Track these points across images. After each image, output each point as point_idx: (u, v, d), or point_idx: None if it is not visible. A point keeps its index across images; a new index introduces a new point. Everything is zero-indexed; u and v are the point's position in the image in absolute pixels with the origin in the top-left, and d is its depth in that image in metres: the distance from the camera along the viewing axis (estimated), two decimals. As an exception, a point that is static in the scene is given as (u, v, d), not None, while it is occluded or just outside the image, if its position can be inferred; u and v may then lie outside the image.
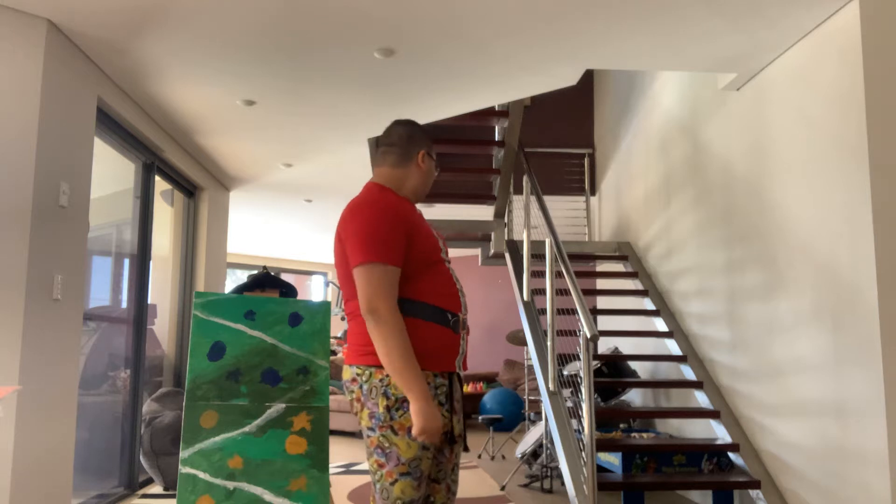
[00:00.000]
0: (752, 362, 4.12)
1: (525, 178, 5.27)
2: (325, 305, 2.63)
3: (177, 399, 4.98)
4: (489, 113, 5.84)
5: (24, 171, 3.19)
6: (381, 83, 4.21)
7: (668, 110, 5.48)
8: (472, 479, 5.45)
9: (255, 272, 4.07)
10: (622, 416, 4.21)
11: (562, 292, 5.06)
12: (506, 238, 5.93)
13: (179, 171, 5.44)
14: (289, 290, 3.57)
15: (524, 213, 5.33)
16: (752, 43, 3.68)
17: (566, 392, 4.49)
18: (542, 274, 4.91)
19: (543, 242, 5.18)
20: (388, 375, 1.96)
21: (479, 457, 6.61)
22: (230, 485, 2.39)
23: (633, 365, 5.98)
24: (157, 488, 4.83)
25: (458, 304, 2.08)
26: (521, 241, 5.79)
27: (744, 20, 3.41)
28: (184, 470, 2.36)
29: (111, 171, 4.55)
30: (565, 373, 5.11)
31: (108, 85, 4.03)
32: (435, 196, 6.08)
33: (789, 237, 3.77)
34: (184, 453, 2.38)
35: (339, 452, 6.81)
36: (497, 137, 6.57)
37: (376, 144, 2.28)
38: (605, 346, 6.85)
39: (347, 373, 2.05)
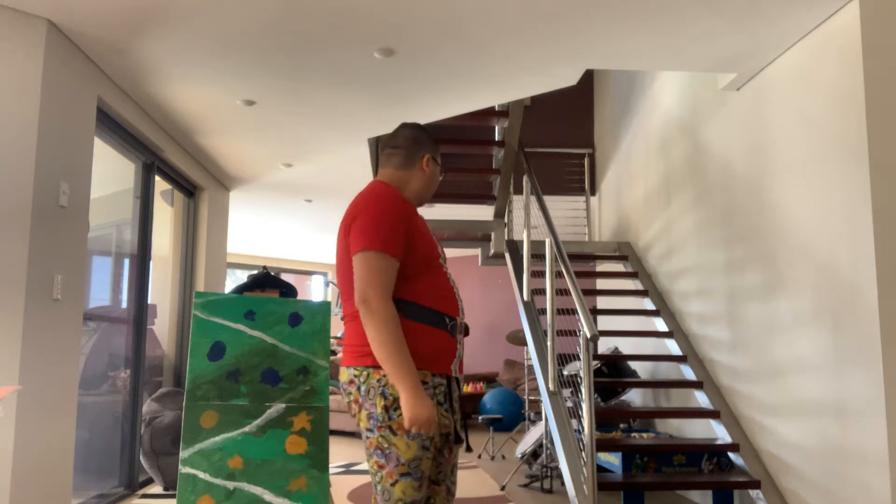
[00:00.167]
0: (752, 362, 4.12)
1: (525, 178, 5.27)
2: (325, 305, 2.63)
3: (177, 399, 4.98)
4: (489, 113, 5.84)
5: (24, 171, 3.19)
6: (381, 83, 4.21)
7: (668, 110, 5.48)
8: (472, 479, 5.45)
9: (255, 272, 4.07)
10: (622, 416, 4.21)
11: (562, 292, 5.06)
12: (506, 238, 5.93)
13: (179, 171, 5.44)
14: (289, 290, 3.57)
15: (524, 213, 5.33)
16: (752, 43, 3.68)
17: (566, 392, 4.49)
18: (542, 274, 4.91)
19: (543, 242, 5.18)
20: (385, 376, 1.96)
21: (479, 457, 6.61)
22: (230, 485, 2.39)
23: (633, 365, 5.98)
24: (157, 488, 4.83)
25: (455, 308, 2.09)
26: (521, 241, 5.79)
27: (744, 20, 3.41)
28: (184, 470, 2.36)
29: (111, 171, 4.55)
30: (565, 373, 5.11)
31: (108, 85, 4.03)
32: (435, 196, 6.08)
33: (789, 237, 3.77)
34: (184, 453, 2.38)
35: (339, 452, 6.81)
36: (497, 137, 6.57)
37: (381, 146, 2.28)
38: (605, 346, 6.85)
39: (345, 374, 2.05)
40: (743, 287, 4.26)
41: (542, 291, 5.27)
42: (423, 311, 2.00)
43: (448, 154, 6.98)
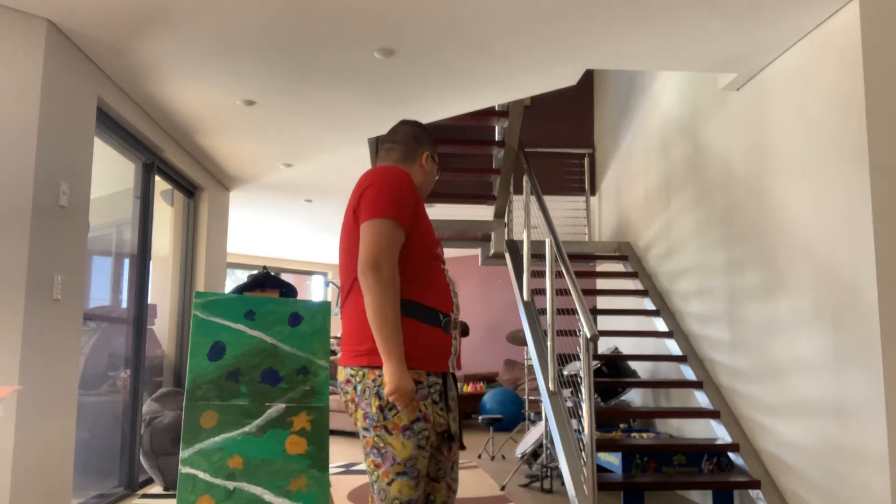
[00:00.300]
0: (752, 362, 4.12)
1: (525, 178, 5.27)
2: (325, 305, 2.63)
3: (177, 399, 4.98)
4: (489, 113, 5.84)
5: (24, 171, 3.19)
6: (381, 83, 4.21)
7: (668, 110, 5.48)
8: (472, 479, 5.45)
9: (255, 272, 4.07)
10: (622, 416, 4.21)
11: (562, 292, 5.06)
12: (506, 238, 5.93)
13: (179, 171, 5.44)
14: (289, 290, 3.57)
15: (524, 213, 5.33)
16: (752, 43, 3.68)
17: (566, 392, 4.49)
18: (542, 274, 4.91)
19: (543, 242, 5.18)
20: (380, 376, 1.96)
21: (479, 457, 6.61)
22: (230, 485, 2.39)
23: (633, 365, 5.98)
24: (157, 488, 4.83)
25: (450, 305, 2.09)
26: (521, 241, 5.79)
27: (744, 20, 3.41)
28: (184, 470, 2.36)
29: (111, 171, 4.55)
30: (565, 373, 5.11)
31: (108, 85, 4.03)
32: (435, 196, 6.09)
33: (789, 237, 3.77)
34: (184, 453, 2.38)
35: (339, 452, 6.81)
36: (497, 137, 6.57)
37: (381, 141, 2.29)
38: (605, 346, 6.85)
39: (342, 374, 2.05)
40: (743, 287, 4.26)
41: (542, 291, 5.27)
42: (417, 308, 2.00)
43: (448, 154, 6.98)
